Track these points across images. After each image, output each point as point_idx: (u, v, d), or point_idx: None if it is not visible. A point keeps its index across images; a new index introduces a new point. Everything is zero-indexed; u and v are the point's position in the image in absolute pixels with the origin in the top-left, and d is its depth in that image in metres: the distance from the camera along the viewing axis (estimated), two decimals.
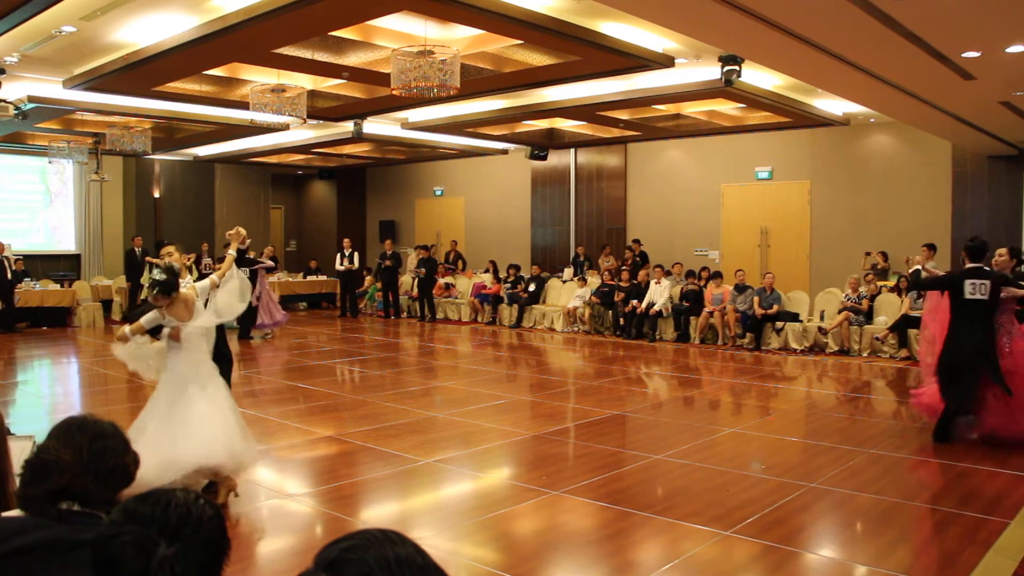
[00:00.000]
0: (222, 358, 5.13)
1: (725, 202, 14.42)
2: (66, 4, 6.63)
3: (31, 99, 10.23)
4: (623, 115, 12.34)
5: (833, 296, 11.72)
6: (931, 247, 10.40)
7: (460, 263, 16.95)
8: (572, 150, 16.28)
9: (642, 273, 13.30)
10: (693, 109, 12.23)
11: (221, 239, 18.37)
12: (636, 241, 14.78)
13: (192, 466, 4.33)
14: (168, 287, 4.47)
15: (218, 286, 4.81)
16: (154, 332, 4.67)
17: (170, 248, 5.23)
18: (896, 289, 11.32)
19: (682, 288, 12.70)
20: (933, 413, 6.33)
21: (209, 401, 4.57)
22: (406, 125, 13.63)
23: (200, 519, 1.31)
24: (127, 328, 4.61)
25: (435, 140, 15.27)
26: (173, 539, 1.27)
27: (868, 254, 12.49)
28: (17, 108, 10.25)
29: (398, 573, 1.02)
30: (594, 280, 14.05)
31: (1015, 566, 3.75)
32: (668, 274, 13.12)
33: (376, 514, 4.70)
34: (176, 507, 1.31)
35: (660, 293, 12.64)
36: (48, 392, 8.98)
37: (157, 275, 4.51)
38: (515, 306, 14.44)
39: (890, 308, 10.99)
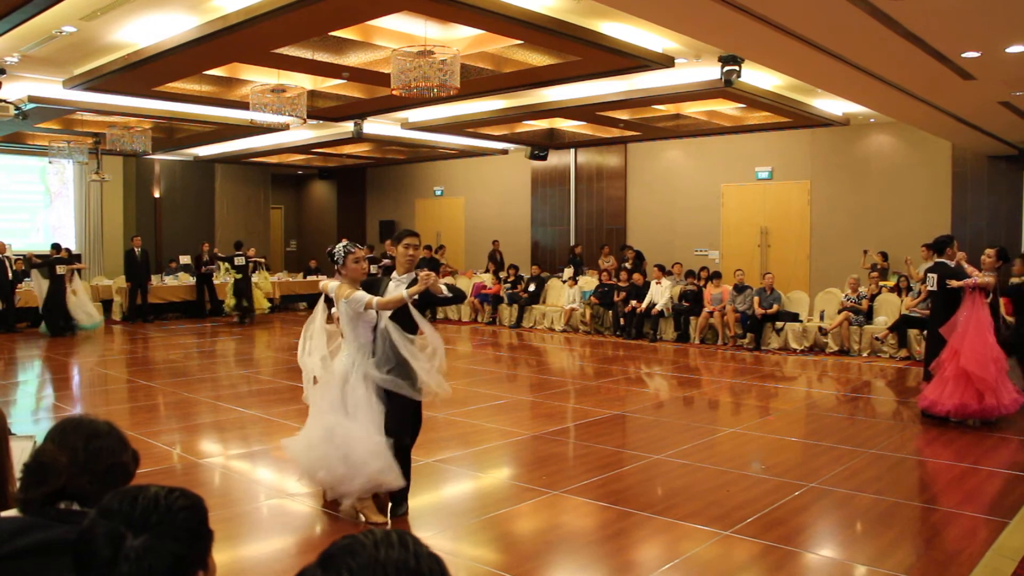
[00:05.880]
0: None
1: (725, 202, 14.42)
2: (66, 4, 6.63)
3: (31, 99, 10.24)
4: (623, 115, 12.34)
5: (833, 296, 11.72)
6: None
7: (504, 265, 16.02)
8: (572, 150, 16.28)
9: (636, 276, 13.17)
10: (693, 109, 12.23)
11: (221, 239, 18.38)
12: (626, 247, 14.69)
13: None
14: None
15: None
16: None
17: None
18: (896, 289, 11.32)
19: (682, 288, 12.69)
20: (963, 413, 6.48)
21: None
22: (406, 125, 13.63)
23: (169, 509, 1.33)
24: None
25: (435, 140, 15.26)
26: (140, 530, 1.29)
27: (866, 252, 12.48)
28: (17, 108, 10.25)
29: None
30: (585, 280, 14.05)
31: (1015, 566, 3.75)
32: (668, 274, 13.11)
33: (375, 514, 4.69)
34: (144, 499, 1.33)
35: (661, 293, 12.63)
36: (48, 392, 8.98)
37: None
38: (515, 306, 14.44)
39: (890, 308, 10.98)
